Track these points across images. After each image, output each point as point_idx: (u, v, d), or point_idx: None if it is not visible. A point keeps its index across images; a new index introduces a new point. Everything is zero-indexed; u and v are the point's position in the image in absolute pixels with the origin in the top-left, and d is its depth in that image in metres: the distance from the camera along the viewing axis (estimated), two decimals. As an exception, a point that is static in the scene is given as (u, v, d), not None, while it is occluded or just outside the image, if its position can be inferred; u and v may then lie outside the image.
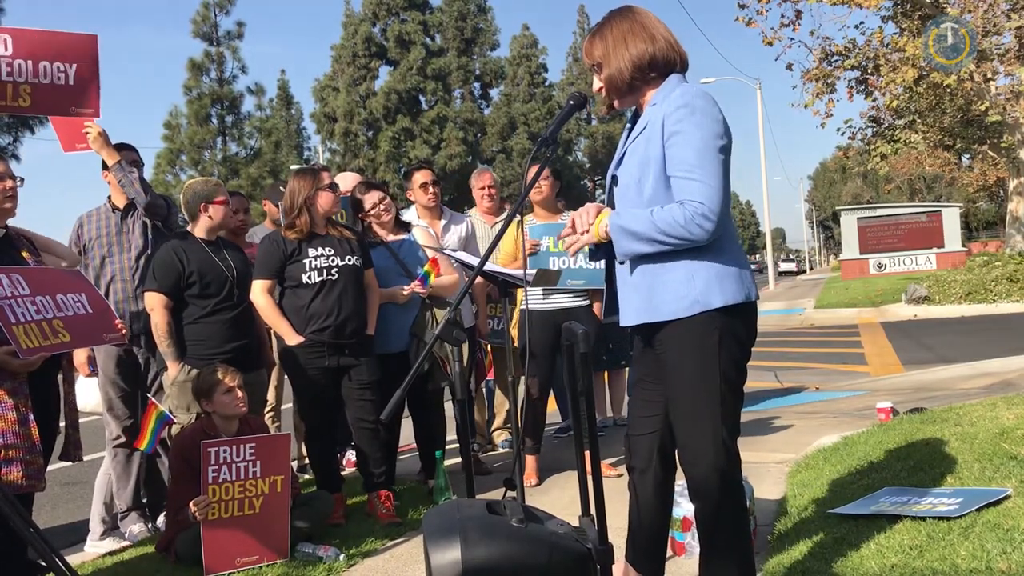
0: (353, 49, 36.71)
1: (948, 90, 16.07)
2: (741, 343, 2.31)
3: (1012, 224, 18.75)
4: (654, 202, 2.30)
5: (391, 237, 4.44)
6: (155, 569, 3.56)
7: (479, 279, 4.41)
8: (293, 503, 3.60)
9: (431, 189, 4.95)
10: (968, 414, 4.43)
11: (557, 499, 4.15)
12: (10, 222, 3.36)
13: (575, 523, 2.24)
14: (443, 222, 5.00)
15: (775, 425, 5.58)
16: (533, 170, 2.62)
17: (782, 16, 16.88)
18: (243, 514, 3.40)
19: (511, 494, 2.36)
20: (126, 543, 4.14)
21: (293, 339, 3.88)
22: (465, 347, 4.48)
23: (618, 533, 2.48)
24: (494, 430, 5.71)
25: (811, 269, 70.60)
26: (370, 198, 4.40)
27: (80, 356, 4.03)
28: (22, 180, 3.33)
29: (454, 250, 4.52)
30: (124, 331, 3.42)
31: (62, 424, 3.39)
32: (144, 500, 4.31)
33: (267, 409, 4.87)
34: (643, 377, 2.51)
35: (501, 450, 5.59)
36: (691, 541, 3.05)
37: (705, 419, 2.28)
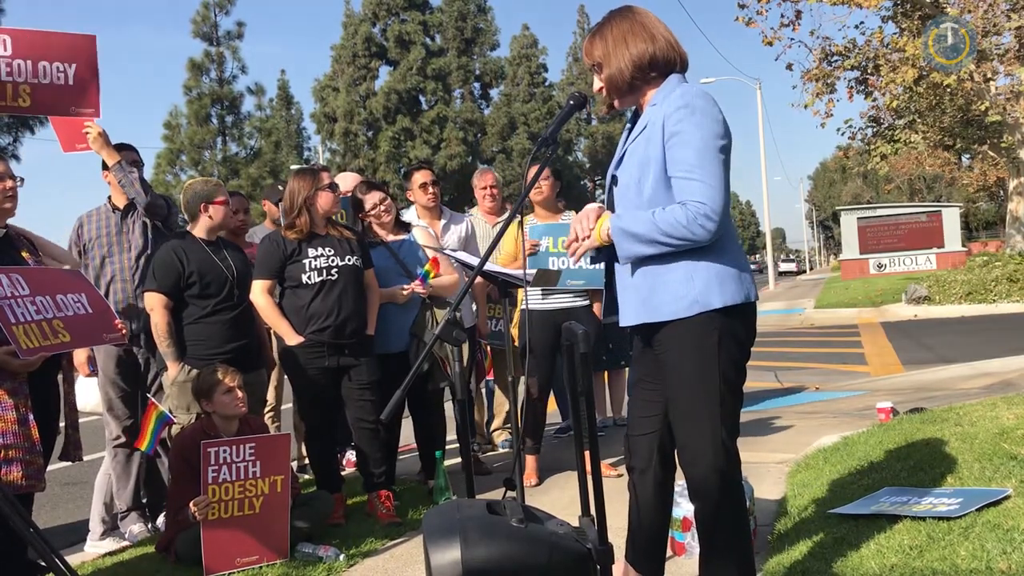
0: (353, 49, 36.69)
1: (948, 90, 16.07)
2: (740, 343, 2.31)
3: (1012, 224, 18.75)
4: (654, 202, 2.30)
5: (391, 237, 4.45)
6: (155, 569, 3.56)
7: (479, 279, 4.41)
8: (293, 503, 3.60)
9: (431, 189, 4.95)
10: (968, 414, 4.43)
11: (557, 499, 4.15)
12: (10, 222, 3.37)
13: (575, 523, 2.24)
14: (443, 222, 5.01)
15: (775, 425, 5.58)
16: (533, 170, 2.62)
17: (782, 16, 16.90)
18: (243, 514, 3.40)
19: (511, 494, 2.36)
20: (126, 543, 4.14)
21: (293, 339, 3.88)
22: (465, 347, 4.48)
23: (618, 533, 2.48)
24: (494, 430, 5.71)
25: (811, 269, 70.60)
26: (371, 198, 4.40)
27: (80, 356, 4.03)
28: (22, 180, 3.34)
29: (454, 250, 4.53)
30: (124, 331, 3.42)
31: (62, 424, 3.39)
32: (144, 500, 4.30)
33: (267, 409, 4.87)
34: (643, 377, 2.51)
35: (501, 450, 5.59)
36: (691, 541, 3.05)
37: (704, 419, 2.28)
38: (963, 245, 30.55)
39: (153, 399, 3.92)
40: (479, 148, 38.59)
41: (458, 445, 4.78)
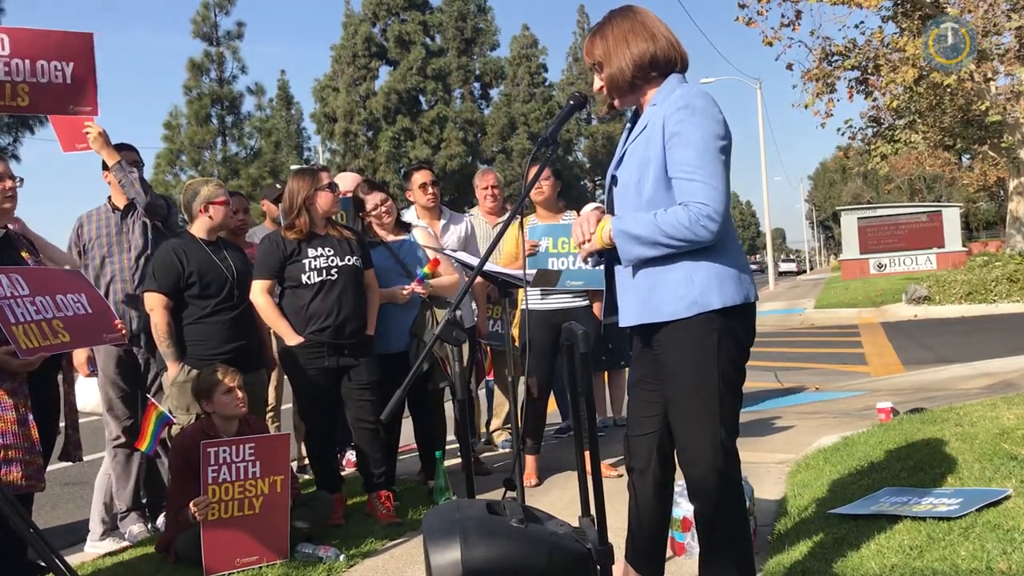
0: (353, 49, 36.71)
1: (948, 90, 16.08)
2: (740, 344, 2.31)
3: (1012, 224, 18.75)
4: (654, 202, 2.30)
5: (391, 237, 4.45)
6: (155, 569, 3.56)
7: (479, 279, 4.41)
8: (293, 503, 3.60)
9: (430, 189, 4.95)
10: (968, 414, 4.43)
11: (557, 499, 4.15)
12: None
13: (575, 523, 2.24)
14: (442, 222, 5.00)
15: (775, 425, 5.58)
16: (533, 170, 2.62)
17: (782, 16, 16.93)
18: (243, 514, 3.40)
19: (511, 494, 2.36)
20: (126, 543, 4.14)
21: (293, 339, 3.88)
22: (465, 347, 4.48)
23: (618, 533, 2.48)
24: (494, 430, 5.71)
25: (811, 269, 70.62)
26: (372, 199, 4.40)
27: (80, 356, 4.02)
28: (22, 180, 3.33)
29: (454, 250, 4.53)
30: (124, 331, 3.42)
31: (62, 424, 3.38)
32: (144, 500, 4.30)
33: (267, 409, 4.87)
34: (642, 377, 2.51)
35: (501, 450, 5.59)
36: (691, 541, 3.05)
37: (704, 420, 2.28)
38: (963, 245, 30.54)
39: (153, 399, 3.92)
40: (479, 148, 38.61)
41: (458, 445, 4.78)
